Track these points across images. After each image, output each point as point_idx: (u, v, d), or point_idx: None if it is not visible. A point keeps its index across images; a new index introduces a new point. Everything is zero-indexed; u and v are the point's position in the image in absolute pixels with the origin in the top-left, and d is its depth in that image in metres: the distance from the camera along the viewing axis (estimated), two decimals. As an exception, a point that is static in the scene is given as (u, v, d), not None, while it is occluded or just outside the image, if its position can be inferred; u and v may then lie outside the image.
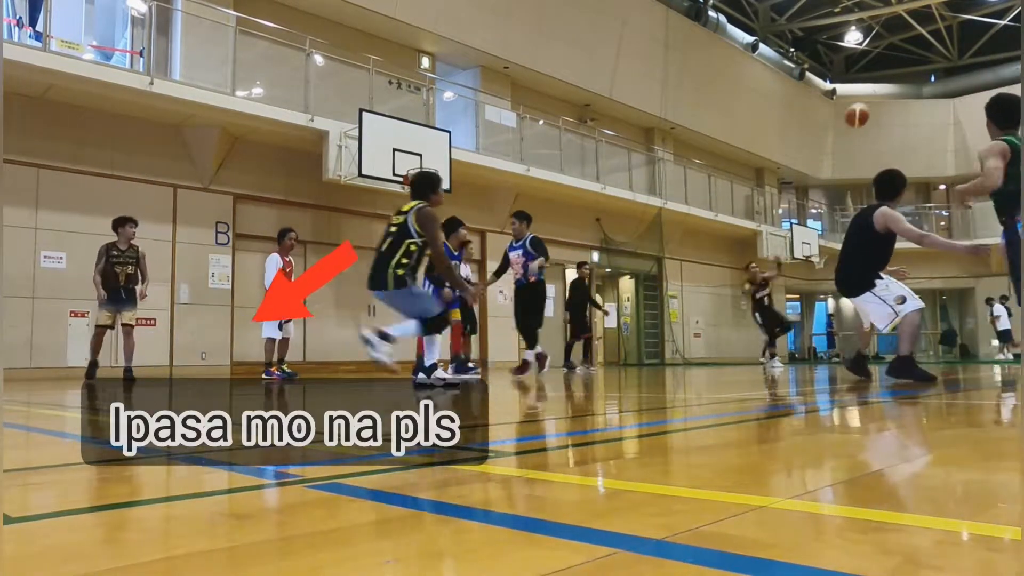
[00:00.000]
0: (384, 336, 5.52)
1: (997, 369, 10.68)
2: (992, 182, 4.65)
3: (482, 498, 1.57)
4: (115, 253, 8.26)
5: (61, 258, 9.93)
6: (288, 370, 9.30)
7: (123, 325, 8.28)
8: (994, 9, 24.52)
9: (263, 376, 9.35)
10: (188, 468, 2.07)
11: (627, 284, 19.21)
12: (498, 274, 9.30)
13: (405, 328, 5.69)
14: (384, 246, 5.62)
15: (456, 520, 1.32)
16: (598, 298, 12.68)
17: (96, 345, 8.26)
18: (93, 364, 8.22)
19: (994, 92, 5.76)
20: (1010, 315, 19.06)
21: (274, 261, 8.94)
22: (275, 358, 9.23)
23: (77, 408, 4.66)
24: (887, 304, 5.72)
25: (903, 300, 5.68)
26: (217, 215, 11.35)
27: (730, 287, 21.70)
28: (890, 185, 6.06)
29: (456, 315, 8.68)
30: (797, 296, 25.82)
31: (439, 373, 5.80)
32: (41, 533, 1.27)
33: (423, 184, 5.83)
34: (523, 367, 8.58)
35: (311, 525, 1.30)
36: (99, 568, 1.03)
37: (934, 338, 25.19)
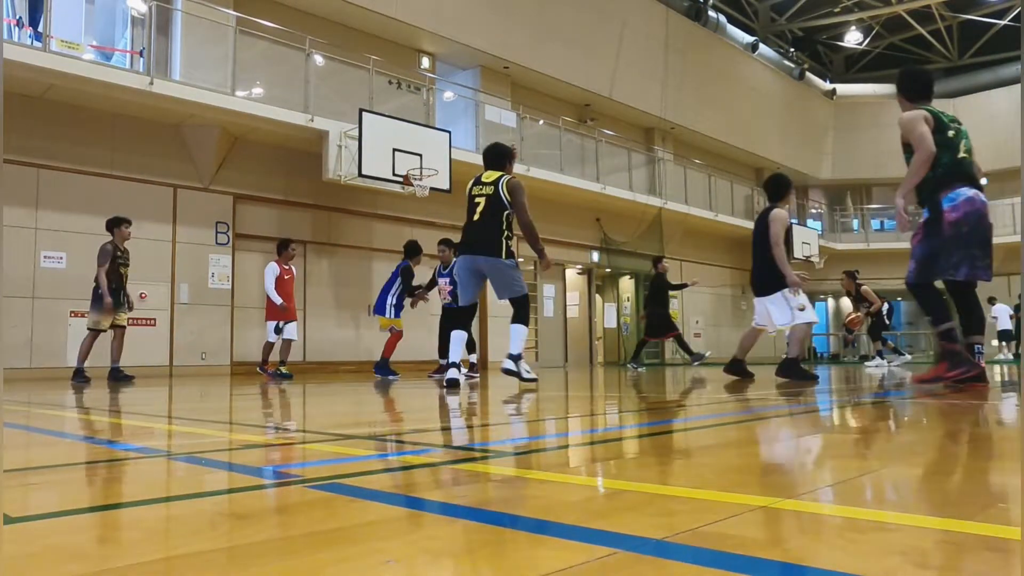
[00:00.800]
0: (515, 358, 5.96)
1: (997, 369, 10.68)
2: (927, 147, 4.52)
3: (482, 498, 1.57)
4: (119, 253, 8.25)
5: (61, 258, 9.93)
6: (284, 371, 9.38)
7: (117, 326, 8.29)
8: (994, 9, 24.54)
9: (257, 370, 9.53)
10: (188, 468, 2.08)
11: (627, 284, 19.23)
12: (428, 288, 9.53)
13: (518, 339, 5.97)
14: (480, 215, 5.82)
15: (456, 520, 1.32)
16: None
17: (88, 351, 8.17)
18: (81, 371, 8.09)
19: (993, 92, 5.98)
20: (1011, 315, 19.11)
21: (272, 270, 9.30)
22: (277, 358, 9.37)
23: (108, 412, 4.66)
24: (790, 308, 6.32)
25: (803, 309, 6.34)
26: (217, 215, 11.36)
27: (730, 287, 21.72)
28: (775, 188, 6.88)
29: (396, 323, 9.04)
30: (797, 296, 25.81)
31: (522, 365, 6.00)
32: (41, 533, 1.27)
33: (502, 155, 6.12)
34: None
35: (311, 525, 1.30)
36: (99, 568, 1.03)
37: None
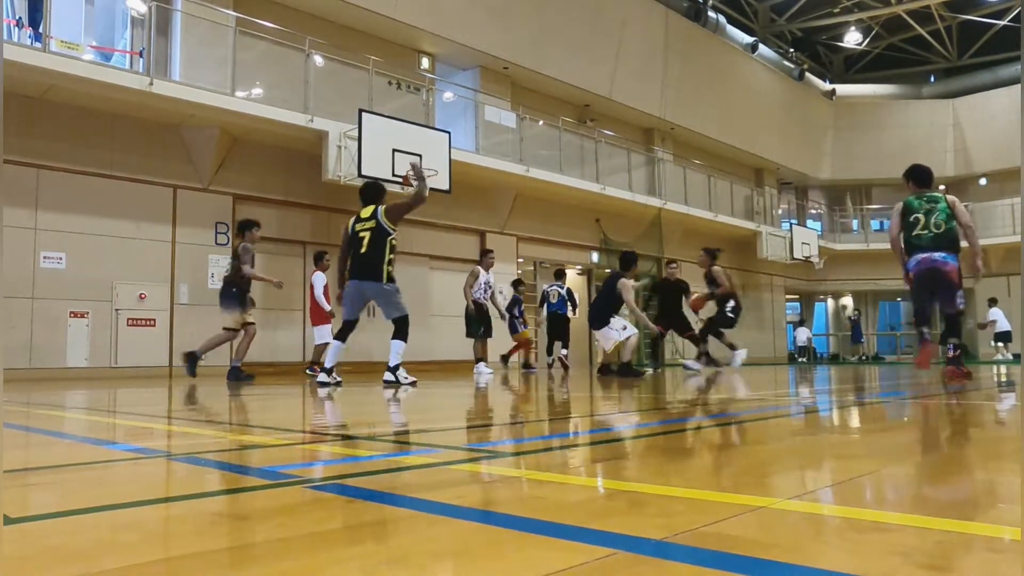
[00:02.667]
0: (392, 370, 6.71)
1: (995, 369, 10.68)
2: (891, 237, 6.53)
3: (482, 498, 1.57)
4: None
5: (61, 258, 9.92)
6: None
7: (248, 324, 8.58)
8: (994, 9, 24.54)
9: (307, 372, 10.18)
10: (188, 468, 2.08)
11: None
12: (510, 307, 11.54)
13: (395, 353, 6.75)
14: (366, 247, 6.63)
15: (456, 520, 1.32)
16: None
17: (217, 346, 8.64)
18: (238, 368, 8.50)
19: (993, 92, 6.62)
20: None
21: (320, 279, 10.03)
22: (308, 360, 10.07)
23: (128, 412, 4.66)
24: (614, 332, 8.91)
25: (624, 328, 8.94)
26: (217, 215, 11.36)
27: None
28: (627, 262, 9.28)
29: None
30: (797, 296, 25.83)
31: (400, 373, 6.75)
32: (41, 533, 1.27)
33: (377, 191, 6.97)
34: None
35: (311, 525, 1.30)
36: (99, 568, 1.03)
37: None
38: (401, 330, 6.73)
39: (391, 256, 6.64)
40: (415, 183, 6.78)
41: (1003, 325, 19.10)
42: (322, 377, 6.76)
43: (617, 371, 8.86)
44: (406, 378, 6.78)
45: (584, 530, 1.19)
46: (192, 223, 11.09)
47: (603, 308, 9.16)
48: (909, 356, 26.37)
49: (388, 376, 6.74)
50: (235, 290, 8.38)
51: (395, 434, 3.00)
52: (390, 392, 5.96)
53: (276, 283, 8.97)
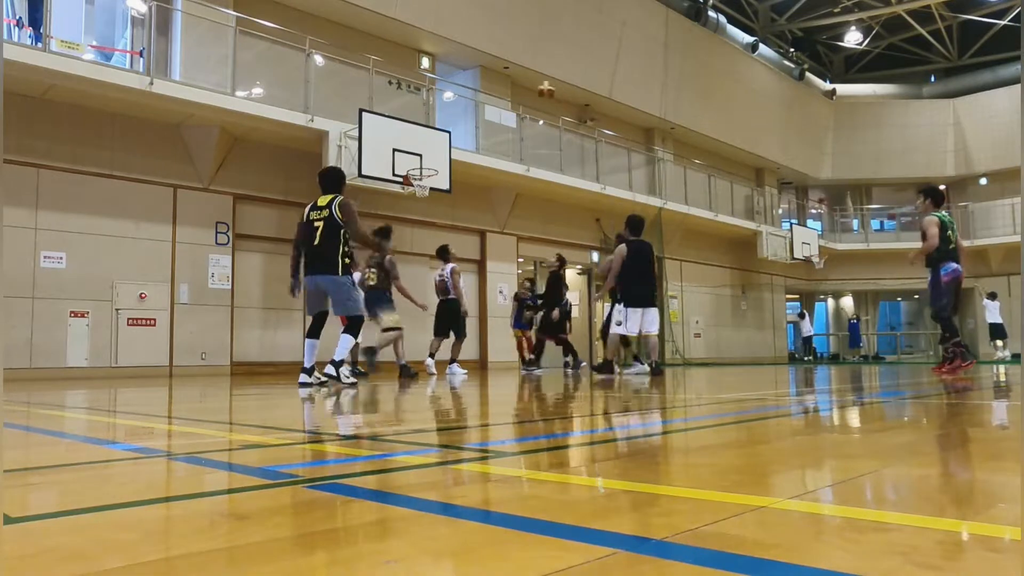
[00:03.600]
0: (336, 364, 6.50)
1: (994, 369, 10.68)
2: (932, 244, 7.28)
3: (482, 498, 1.57)
4: None
5: (61, 258, 9.93)
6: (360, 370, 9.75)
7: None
8: (994, 9, 24.53)
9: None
10: (188, 468, 2.08)
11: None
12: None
13: (343, 348, 6.57)
14: (319, 238, 6.38)
15: (456, 520, 1.32)
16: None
17: (400, 347, 9.19)
18: (407, 366, 9.10)
19: (993, 92, 6.95)
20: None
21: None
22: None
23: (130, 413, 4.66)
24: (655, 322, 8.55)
25: (619, 324, 8.51)
26: (217, 215, 11.36)
27: (730, 287, 21.72)
28: (635, 225, 8.84)
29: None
30: (797, 296, 25.83)
31: (342, 371, 6.61)
32: (41, 533, 1.27)
33: (335, 179, 6.68)
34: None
35: (311, 525, 1.30)
36: (99, 568, 1.03)
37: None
38: (353, 326, 6.54)
39: (346, 248, 6.38)
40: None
41: (994, 317, 19.16)
42: (303, 378, 6.51)
43: (652, 370, 8.66)
44: (347, 377, 6.58)
45: (584, 530, 1.19)
46: (192, 223, 11.09)
47: (654, 281, 8.62)
48: (909, 355, 26.38)
49: (329, 369, 6.49)
50: (387, 295, 9.13)
51: (395, 434, 3.01)
52: (311, 391, 5.80)
53: (421, 305, 9.76)
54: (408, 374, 8.92)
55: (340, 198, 6.47)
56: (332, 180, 6.63)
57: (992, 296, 19.43)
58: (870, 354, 25.51)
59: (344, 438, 2.80)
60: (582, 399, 5.06)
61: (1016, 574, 0.96)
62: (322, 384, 6.50)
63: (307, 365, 6.52)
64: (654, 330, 8.53)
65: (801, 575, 0.96)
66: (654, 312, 8.53)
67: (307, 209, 6.60)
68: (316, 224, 6.40)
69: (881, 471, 1.84)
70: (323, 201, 6.48)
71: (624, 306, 8.57)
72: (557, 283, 11.83)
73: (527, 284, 12.99)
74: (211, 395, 6.08)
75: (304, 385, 6.42)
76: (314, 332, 6.57)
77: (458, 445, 2.58)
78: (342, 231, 6.35)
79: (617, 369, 9.51)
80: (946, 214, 7.59)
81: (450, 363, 10.35)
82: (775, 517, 1.31)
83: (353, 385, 6.58)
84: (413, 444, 2.58)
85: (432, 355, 10.43)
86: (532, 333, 12.38)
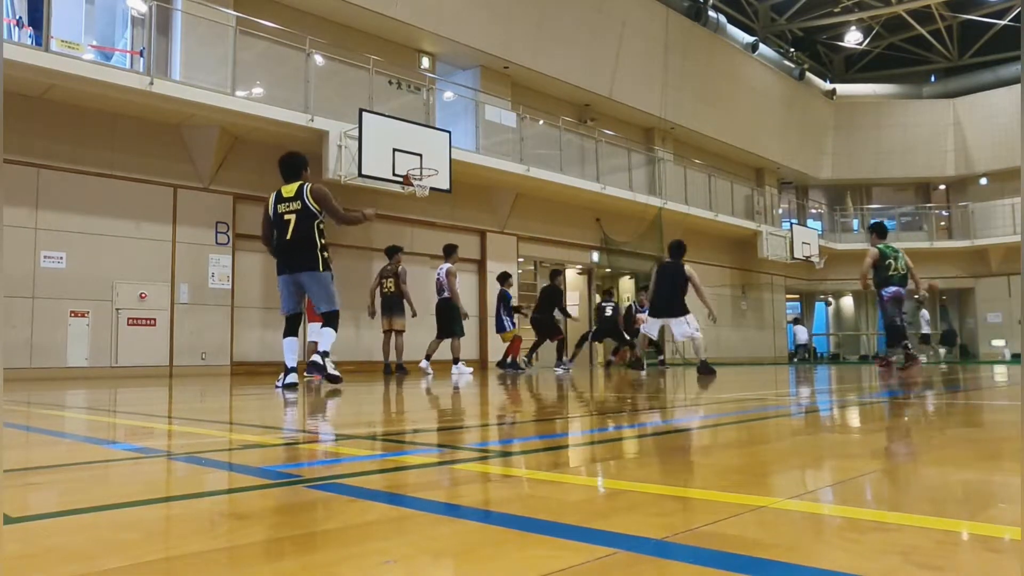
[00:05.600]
0: (323, 355, 6.25)
1: (993, 369, 10.67)
2: (862, 272, 9.16)
3: (482, 498, 1.57)
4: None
5: (61, 258, 9.93)
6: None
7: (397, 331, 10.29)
8: (994, 9, 24.53)
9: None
10: (188, 468, 2.08)
11: (627, 284, 19.22)
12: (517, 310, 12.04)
13: (327, 340, 6.26)
14: (292, 232, 6.01)
15: (456, 520, 1.32)
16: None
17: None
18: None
19: (993, 92, 6.95)
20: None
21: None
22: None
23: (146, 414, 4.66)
24: (690, 328, 9.81)
25: (696, 328, 9.81)
26: (217, 215, 11.36)
27: (730, 287, 21.70)
28: (682, 249, 10.17)
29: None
30: (797, 296, 25.82)
31: (328, 362, 6.35)
32: (41, 533, 1.27)
33: (298, 165, 6.23)
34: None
35: (311, 525, 1.30)
36: (99, 568, 1.03)
37: (934, 338, 25.22)
38: (331, 321, 6.20)
39: (323, 241, 6.05)
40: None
41: (925, 327, 19.05)
42: (292, 378, 6.28)
43: (699, 369, 9.52)
44: (332, 368, 6.39)
45: (584, 530, 1.19)
46: (192, 222, 11.09)
47: (676, 296, 9.84)
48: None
49: (316, 358, 6.22)
50: (403, 301, 10.24)
51: (395, 433, 3.01)
52: (310, 379, 5.76)
53: (413, 312, 10.39)
54: (390, 371, 9.57)
55: (308, 184, 6.09)
56: (294, 166, 6.17)
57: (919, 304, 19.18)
58: (871, 354, 25.49)
59: (344, 438, 2.80)
60: (583, 399, 5.06)
61: (1016, 574, 0.96)
62: (295, 384, 6.26)
63: (290, 365, 6.30)
64: (679, 336, 9.87)
65: (801, 575, 0.96)
66: (676, 321, 9.77)
67: (271, 201, 6.18)
68: (287, 217, 6.00)
69: (881, 471, 1.84)
70: (289, 191, 6.07)
71: (648, 315, 10.37)
72: (554, 294, 12.19)
73: (510, 281, 12.64)
74: (211, 395, 6.08)
75: (290, 386, 6.15)
76: (291, 331, 6.37)
77: (458, 445, 2.58)
78: (316, 221, 5.99)
79: (644, 364, 11.28)
80: (890, 246, 9.04)
81: (454, 363, 10.40)
82: (775, 517, 1.31)
83: (338, 379, 6.44)
84: (413, 444, 2.59)
85: (428, 356, 10.53)
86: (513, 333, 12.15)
